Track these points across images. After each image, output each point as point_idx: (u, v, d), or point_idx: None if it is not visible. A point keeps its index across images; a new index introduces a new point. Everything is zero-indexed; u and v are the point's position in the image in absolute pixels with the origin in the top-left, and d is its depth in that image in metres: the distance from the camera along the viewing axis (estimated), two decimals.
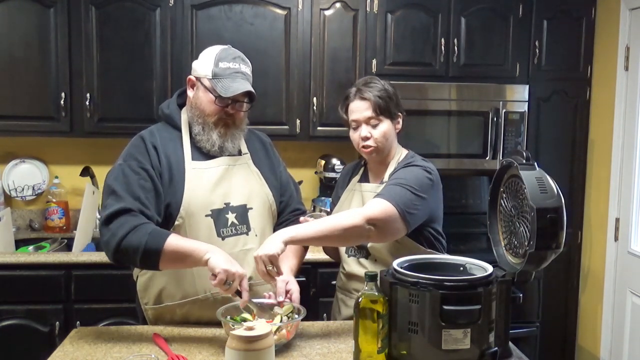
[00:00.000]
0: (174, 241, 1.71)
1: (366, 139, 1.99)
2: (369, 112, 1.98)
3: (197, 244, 1.73)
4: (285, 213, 2.07)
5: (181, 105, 1.98)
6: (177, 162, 1.86)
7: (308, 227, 1.78)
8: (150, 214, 1.77)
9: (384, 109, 1.98)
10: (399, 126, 2.06)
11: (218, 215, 1.87)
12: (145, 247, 1.68)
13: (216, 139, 1.88)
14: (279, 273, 1.73)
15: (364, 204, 2.02)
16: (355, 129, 2.02)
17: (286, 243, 1.71)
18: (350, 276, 2.06)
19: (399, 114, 2.05)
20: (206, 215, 1.85)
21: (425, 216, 1.95)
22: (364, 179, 2.13)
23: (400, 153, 2.08)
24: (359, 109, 1.99)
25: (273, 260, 1.68)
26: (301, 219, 1.95)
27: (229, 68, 1.86)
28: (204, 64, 1.88)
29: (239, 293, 1.70)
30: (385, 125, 2.00)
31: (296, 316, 1.74)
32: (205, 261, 1.68)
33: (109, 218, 1.73)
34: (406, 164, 2.00)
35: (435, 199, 2.00)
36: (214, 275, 1.66)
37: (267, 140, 2.14)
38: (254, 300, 1.80)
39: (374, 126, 1.99)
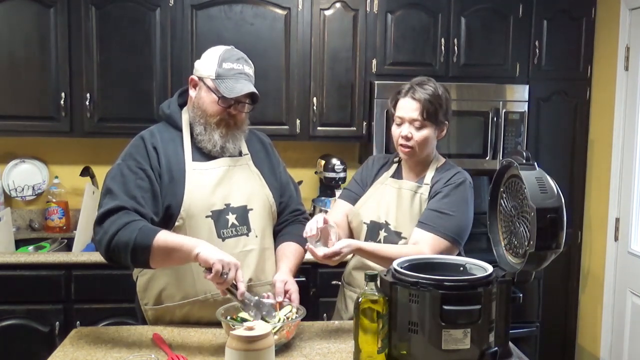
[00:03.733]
0: (163, 237, 1.69)
1: (407, 138, 1.97)
2: (415, 114, 1.95)
3: (185, 238, 1.72)
4: (285, 214, 2.06)
5: (182, 105, 1.97)
6: (178, 163, 1.86)
7: (374, 245, 1.91)
8: (145, 212, 1.76)
9: (431, 114, 1.96)
10: (443, 134, 2.04)
11: (218, 216, 1.86)
12: (134, 243, 1.67)
13: (218, 139, 1.88)
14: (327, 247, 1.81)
15: (399, 199, 2.03)
16: (399, 125, 2.01)
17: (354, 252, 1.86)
18: (363, 269, 2.02)
19: (445, 122, 2.02)
20: (206, 216, 1.84)
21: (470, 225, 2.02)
22: (398, 175, 2.10)
23: (438, 159, 2.08)
24: (407, 107, 1.97)
25: (335, 255, 1.78)
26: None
27: (232, 69, 1.85)
28: (207, 64, 1.87)
29: (234, 286, 1.66)
30: (428, 131, 1.97)
31: (296, 316, 1.74)
32: (195, 255, 1.64)
33: (103, 216, 1.73)
34: (454, 185, 1.98)
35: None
36: (208, 270, 1.63)
37: (267, 140, 2.13)
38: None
39: (417, 129, 1.97)
